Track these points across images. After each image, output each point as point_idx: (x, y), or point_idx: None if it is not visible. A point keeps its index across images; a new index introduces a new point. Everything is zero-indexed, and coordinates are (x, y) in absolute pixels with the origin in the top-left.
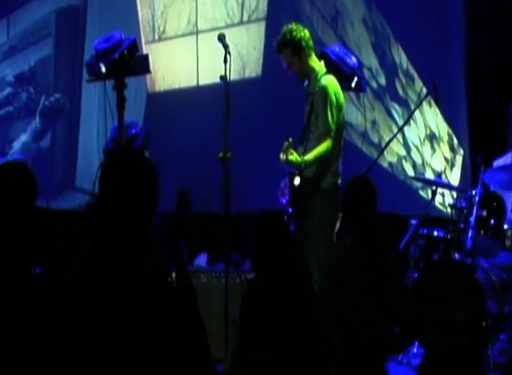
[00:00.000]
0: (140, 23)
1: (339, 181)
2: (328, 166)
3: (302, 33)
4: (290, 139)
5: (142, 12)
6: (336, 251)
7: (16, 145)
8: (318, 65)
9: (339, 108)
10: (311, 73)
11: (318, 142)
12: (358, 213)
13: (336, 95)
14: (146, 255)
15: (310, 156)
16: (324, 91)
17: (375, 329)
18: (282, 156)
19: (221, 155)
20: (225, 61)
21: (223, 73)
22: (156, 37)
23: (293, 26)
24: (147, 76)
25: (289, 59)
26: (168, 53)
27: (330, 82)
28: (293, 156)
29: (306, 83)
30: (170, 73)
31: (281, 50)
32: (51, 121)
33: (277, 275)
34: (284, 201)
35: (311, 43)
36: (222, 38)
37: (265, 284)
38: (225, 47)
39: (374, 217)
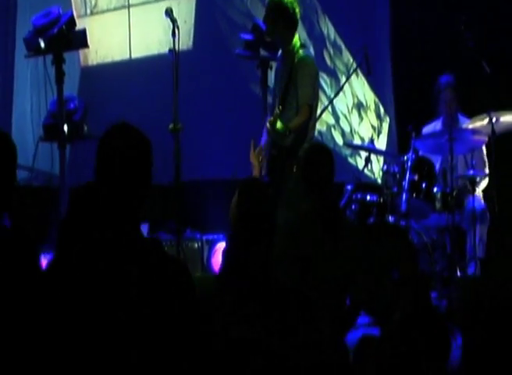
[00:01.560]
0: None
1: None
2: (306, 134)
3: (294, 5)
4: (279, 109)
5: None
6: (290, 217)
7: None
8: (295, 38)
9: (317, 79)
10: (288, 44)
11: (298, 112)
12: (315, 180)
13: (315, 67)
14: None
15: (293, 124)
16: (306, 62)
17: (329, 299)
18: (269, 124)
19: (171, 126)
20: (174, 34)
21: (156, 45)
22: (88, 11)
23: None
24: (80, 51)
25: (272, 24)
26: (101, 27)
27: (310, 54)
28: (279, 124)
29: (280, 53)
30: (103, 47)
31: (269, 12)
32: None
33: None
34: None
35: (297, 17)
36: (169, 12)
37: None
38: (174, 21)
39: (331, 185)
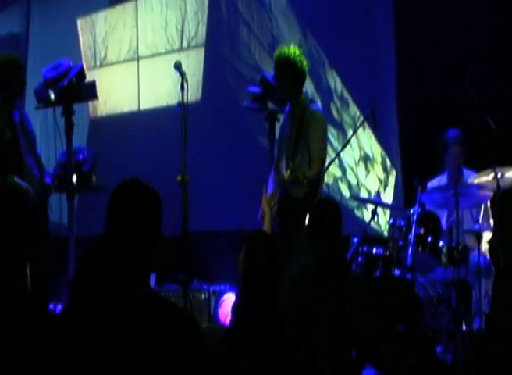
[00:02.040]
0: (82, 49)
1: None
2: (318, 187)
3: (302, 58)
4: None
5: (83, 39)
6: (295, 268)
7: None
8: (302, 93)
9: (326, 133)
10: (297, 98)
11: (309, 165)
12: (322, 232)
13: (325, 121)
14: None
15: (309, 175)
16: (317, 116)
17: (335, 352)
18: (286, 176)
19: (179, 178)
20: (182, 88)
21: (165, 97)
22: (98, 63)
23: (300, 52)
24: (89, 102)
25: (281, 79)
26: (110, 79)
27: (319, 109)
28: (295, 174)
29: (288, 107)
30: (112, 99)
31: (278, 67)
32: None
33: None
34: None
35: (305, 71)
36: (178, 66)
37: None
38: (182, 74)
39: (337, 237)
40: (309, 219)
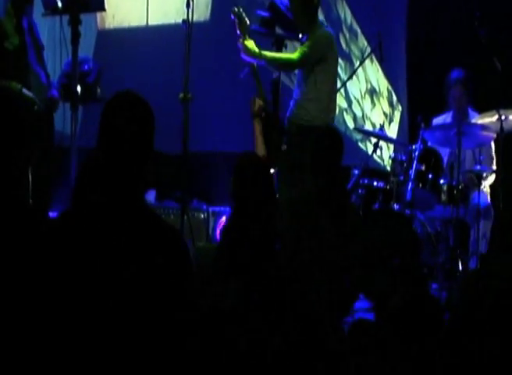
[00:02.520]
0: None
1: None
2: (321, 107)
3: None
4: (237, 8)
5: None
6: (294, 196)
7: None
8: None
9: (321, 48)
10: (312, 28)
11: (310, 86)
12: (324, 162)
13: (323, 37)
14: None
15: (268, 52)
16: (316, 33)
17: (329, 281)
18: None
19: (181, 95)
20: (188, 5)
21: (173, 14)
22: None
23: None
24: (98, 14)
25: (297, 9)
26: None
27: (324, 30)
28: (250, 43)
29: (301, 37)
30: (120, 12)
31: None
32: None
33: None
34: None
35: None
36: None
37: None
38: None
39: (338, 168)
40: (310, 148)
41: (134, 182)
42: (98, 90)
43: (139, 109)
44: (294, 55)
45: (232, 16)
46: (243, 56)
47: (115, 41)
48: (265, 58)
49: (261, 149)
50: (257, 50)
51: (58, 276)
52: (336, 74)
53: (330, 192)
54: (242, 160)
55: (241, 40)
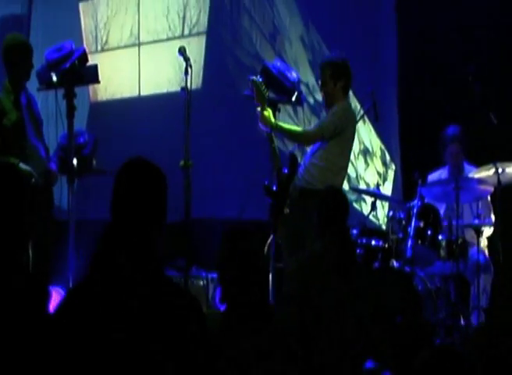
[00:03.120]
0: (83, 33)
1: None
2: (333, 177)
3: (348, 70)
4: (256, 78)
5: (85, 23)
6: (302, 257)
7: None
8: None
9: (344, 120)
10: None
11: (326, 148)
12: (330, 221)
13: (345, 109)
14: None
15: (284, 124)
16: (338, 104)
17: (339, 343)
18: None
19: (182, 163)
20: (186, 73)
21: (165, 84)
22: (99, 48)
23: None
24: (90, 86)
25: (325, 79)
26: (111, 64)
27: (350, 105)
28: (268, 113)
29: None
30: (112, 84)
31: (324, 67)
32: None
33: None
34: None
35: (349, 82)
36: (182, 51)
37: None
38: (187, 59)
39: (345, 227)
40: (316, 208)
41: (152, 248)
42: (94, 162)
43: (152, 174)
44: (312, 130)
45: (250, 86)
46: (261, 125)
47: (108, 113)
48: (281, 129)
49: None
50: (273, 120)
51: (77, 345)
52: (352, 146)
53: (339, 252)
54: (230, 231)
55: (259, 109)
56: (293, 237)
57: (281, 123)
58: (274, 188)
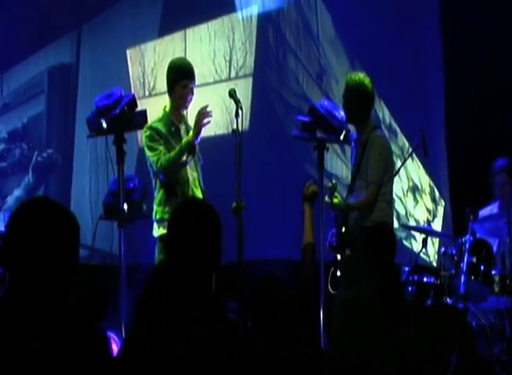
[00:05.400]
0: (131, 79)
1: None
2: (371, 211)
3: (371, 83)
4: (333, 183)
5: (133, 69)
6: (349, 295)
7: (10, 200)
8: (370, 120)
9: (388, 159)
10: (365, 124)
11: (367, 190)
12: (379, 259)
13: (386, 147)
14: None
15: (356, 204)
16: (378, 142)
17: None
18: (327, 199)
19: (234, 205)
20: (237, 115)
21: (212, 127)
22: (146, 93)
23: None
24: (139, 131)
25: (355, 106)
26: (159, 108)
27: (383, 134)
28: (337, 200)
29: (355, 134)
30: None
31: (354, 89)
32: (43, 176)
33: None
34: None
35: (372, 101)
36: (232, 93)
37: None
38: (237, 102)
39: (393, 265)
40: (364, 245)
41: (207, 290)
42: (144, 206)
43: (207, 213)
44: (370, 192)
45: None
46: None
47: None
48: (353, 208)
49: (309, 236)
50: (343, 203)
51: None
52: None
53: (387, 290)
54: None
55: (329, 200)
56: (349, 271)
57: (349, 203)
58: (334, 243)
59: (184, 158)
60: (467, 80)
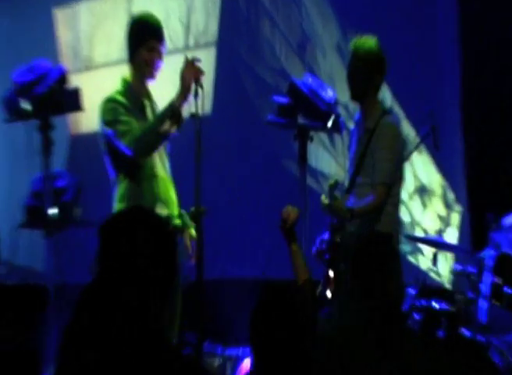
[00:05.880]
0: (60, 49)
1: (395, 232)
2: (377, 219)
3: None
4: (334, 180)
5: (62, 36)
6: (338, 325)
7: None
8: (379, 101)
9: (400, 152)
10: (372, 102)
11: (372, 190)
12: (367, 279)
13: (399, 138)
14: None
15: (359, 208)
16: (389, 131)
17: None
18: (324, 200)
19: (192, 209)
20: (196, 95)
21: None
22: (81, 66)
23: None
24: (71, 115)
25: (366, 80)
26: (97, 85)
27: (395, 121)
28: (338, 202)
29: (358, 115)
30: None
31: (363, 57)
32: None
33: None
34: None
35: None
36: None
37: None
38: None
39: (388, 286)
40: (351, 261)
41: (158, 318)
42: (77, 211)
43: (153, 226)
44: (378, 194)
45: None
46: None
47: (94, 148)
48: (357, 213)
49: (303, 273)
50: (345, 209)
51: None
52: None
53: (379, 320)
54: (266, 294)
55: (327, 202)
56: (343, 293)
57: (355, 208)
58: (326, 256)
59: (166, 127)
60: (487, 51)
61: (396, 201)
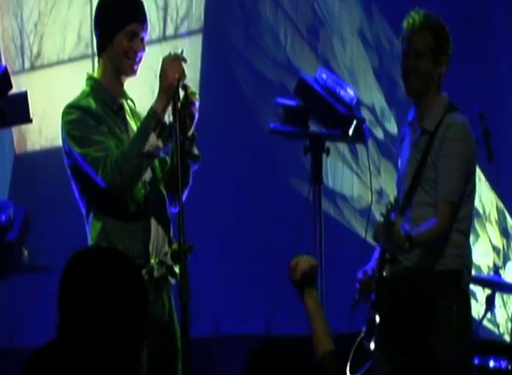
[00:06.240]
0: (0, 41)
1: (466, 269)
2: (445, 246)
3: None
4: (394, 198)
5: (3, 25)
6: None
7: None
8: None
9: (471, 159)
10: (432, 94)
11: (434, 211)
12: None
13: (470, 141)
14: None
15: (420, 234)
16: (457, 134)
17: None
18: (378, 227)
19: (174, 247)
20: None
21: None
22: (27, 64)
23: None
24: (15, 128)
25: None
26: (48, 89)
27: (462, 121)
28: (398, 230)
29: (412, 113)
30: (51, 122)
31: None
32: None
33: None
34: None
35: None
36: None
37: None
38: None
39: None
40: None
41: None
42: (25, 252)
43: (121, 271)
44: (441, 216)
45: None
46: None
47: (45, 170)
48: (418, 243)
49: (325, 341)
50: (404, 237)
51: None
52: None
53: None
54: (255, 357)
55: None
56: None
57: (414, 236)
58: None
59: (152, 142)
60: None
61: (465, 228)
